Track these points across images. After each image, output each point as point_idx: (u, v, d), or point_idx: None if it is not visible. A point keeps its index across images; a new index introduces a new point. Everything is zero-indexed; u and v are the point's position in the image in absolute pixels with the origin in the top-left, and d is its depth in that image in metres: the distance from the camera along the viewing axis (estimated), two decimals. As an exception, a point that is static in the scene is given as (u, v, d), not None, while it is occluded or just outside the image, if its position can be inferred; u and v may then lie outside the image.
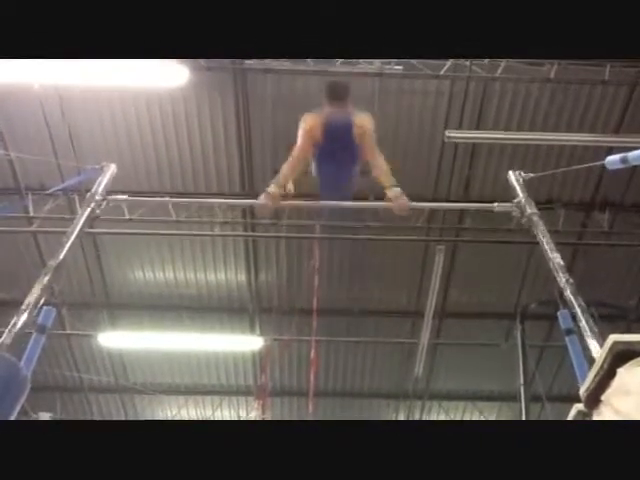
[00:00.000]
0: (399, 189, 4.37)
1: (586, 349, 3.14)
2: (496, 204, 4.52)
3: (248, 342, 10.59)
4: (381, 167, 4.47)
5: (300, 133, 4.48)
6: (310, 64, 7.92)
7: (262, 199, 4.44)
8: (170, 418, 12.02)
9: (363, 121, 4.46)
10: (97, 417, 11.99)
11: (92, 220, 4.37)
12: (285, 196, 4.64)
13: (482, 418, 12.00)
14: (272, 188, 4.38)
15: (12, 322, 3.24)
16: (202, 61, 7.69)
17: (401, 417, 12.07)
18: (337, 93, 4.44)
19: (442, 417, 12.11)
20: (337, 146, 4.38)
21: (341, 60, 7.86)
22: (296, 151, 4.50)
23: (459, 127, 8.54)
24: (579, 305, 3.25)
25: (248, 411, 11.93)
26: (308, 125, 4.41)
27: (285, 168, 4.50)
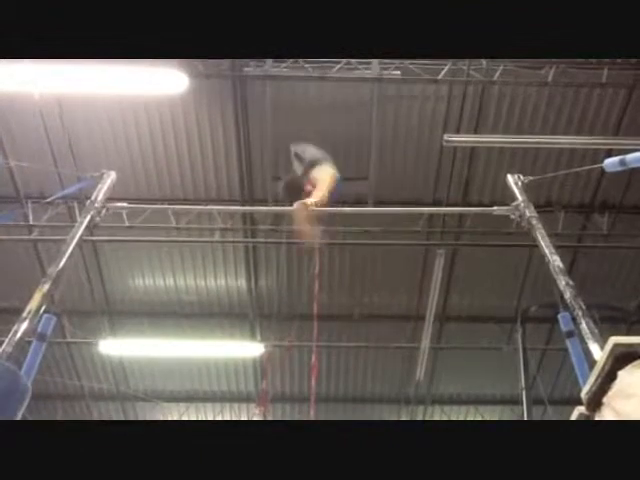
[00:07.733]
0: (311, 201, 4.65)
1: (587, 351, 3.13)
2: (495, 207, 4.53)
3: (249, 348, 10.56)
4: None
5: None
6: (309, 70, 7.93)
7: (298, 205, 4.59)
8: (171, 425, 11.98)
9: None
10: (98, 425, 11.96)
11: (92, 228, 4.37)
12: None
13: (484, 422, 11.98)
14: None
15: (12, 330, 3.24)
16: (201, 68, 7.70)
17: (403, 422, 12.05)
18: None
19: (444, 421, 12.08)
20: None
21: (339, 66, 7.88)
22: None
23: (458, 131, 8.55)
24: (579, 308, 3.24)
25: (249, 417, 11.90)
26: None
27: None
